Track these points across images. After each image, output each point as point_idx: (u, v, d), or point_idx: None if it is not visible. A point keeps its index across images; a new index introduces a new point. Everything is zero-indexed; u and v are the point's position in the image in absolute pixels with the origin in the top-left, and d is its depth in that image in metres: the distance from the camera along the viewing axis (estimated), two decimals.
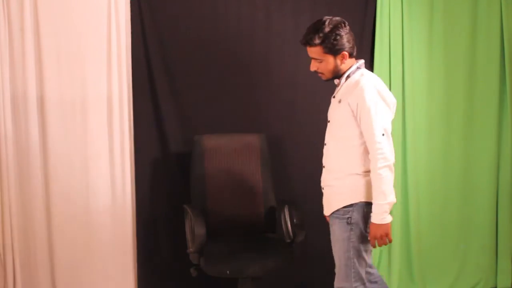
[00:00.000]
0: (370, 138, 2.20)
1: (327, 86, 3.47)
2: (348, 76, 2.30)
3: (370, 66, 3.51)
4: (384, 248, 3.57)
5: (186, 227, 2.93)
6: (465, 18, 3.57)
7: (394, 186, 3.21)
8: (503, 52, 3.59)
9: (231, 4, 3.28)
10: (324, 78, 2.36)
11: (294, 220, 2.85)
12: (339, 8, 3.46)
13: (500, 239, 3.67)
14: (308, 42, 2.25)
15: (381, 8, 3.45)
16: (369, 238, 2.27)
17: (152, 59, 3.14)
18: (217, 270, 2.71)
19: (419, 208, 3.57)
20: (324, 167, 2.46)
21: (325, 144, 2.44)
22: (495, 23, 3.57)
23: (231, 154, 3.15)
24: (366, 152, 2.26)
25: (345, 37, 2.23)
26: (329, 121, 2.42)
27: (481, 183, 3.65)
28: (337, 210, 2.28)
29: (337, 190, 2.31)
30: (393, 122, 3.42)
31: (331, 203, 2.35)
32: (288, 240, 2.98)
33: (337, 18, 2.27)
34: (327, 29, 2.21)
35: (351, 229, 2.24)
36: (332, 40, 2.21)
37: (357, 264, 2.25)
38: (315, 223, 3.26)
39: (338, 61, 2.27)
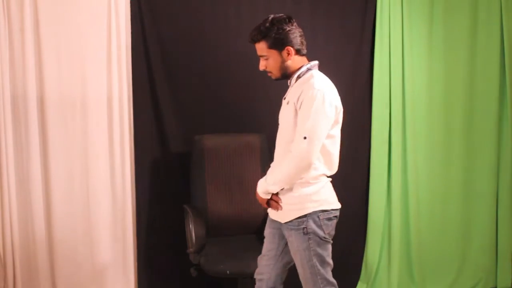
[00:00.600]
0: (297, 136, 2.13)
1: None
2: (299, 77, 2.25)
3: (370, 66, 3.52)
4: (384, 248, 3.57)
5: (186, 227, 2.93)
6: (465, 18, 3.58)
7: (395, 186, 3.22)
8: (503, 52, 3.59)
9: (231, 5, 3.28)
10: (273, 77, 2.30)
11: None
12: (339, 8, 3.46)
13: (500, 239, 3.67)
14: (253, 38, 2.24)
15: (381, 8, 3.45)
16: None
17: (152, 59, 3.14)
18: (217, 270, 2.70)
19: (419, 208, 3.57)
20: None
21: (275, 148, 2.35)
22: (495, 23, 3.57)
23: (231, 154, 3.15)
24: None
25: (290, 31, 2.19)
26: (279, 124, 2.35)
27: (481, 183, 3.65)
28: (291, 221, 2.22)
29: (287, 200, 2.24)
30: (393, 121, 3.49)
31: (283, 212, 2.26)
32: None
33: (283, 14, 2.25)
34: (269, 24, 2.19)
35: (309, 238, 2.19)
36: (274, 34, 2.17)
37: (322, 271, 2.23)
38: None
39: (284, 57, 2.20)
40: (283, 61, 2.22)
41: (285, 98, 2.32)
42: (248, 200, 3.11)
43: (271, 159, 3.21)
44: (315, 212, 2.19)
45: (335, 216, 2.28)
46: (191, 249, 2.80)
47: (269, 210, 2.36)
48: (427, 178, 3.59)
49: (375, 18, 3.48)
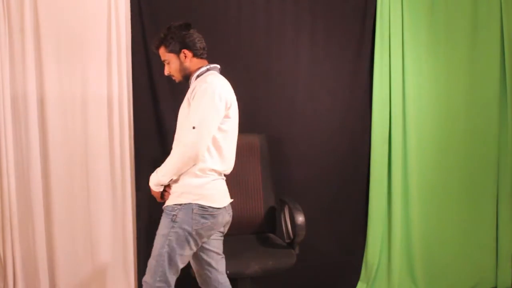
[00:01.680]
0: (187, 126, 2.19)
1: (327, 86, 3.49)
2: (198, 76, 2.35)
3: (370, 66, 3.52)
4: (384, 248, 3.57)
5: None
6: (465, 18, 3.58)
7: (395, 186, 3.20)
8: (503, 52, 3.60)
9: (231, 5, 3.28)
10: (176, 79, 2.42)
11: (294, 220, 2.85)
12: (339, 9, 3.47)
13: (500, 239, 3.68)
14: (155, 46, 2.38)
15: (381, 8, 3.46)
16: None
17: (152, 59, 3.14)
18: None
19: (419, 208, 3.57)
20: None
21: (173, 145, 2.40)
22: (495, 23, 3.58)
23: None
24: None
25: (186, 36, 2.32)
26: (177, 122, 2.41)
27: (481, 183, 3.65)
28: (167, 206, 2.27)
29: (173, 188, 2.29)
30: (393, 122, 3.49)
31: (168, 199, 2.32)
32: (288, 240, 2.98)
33: (181, 22, 2.37)
34: (166, 31, 2.34)
35: (173, 227, 2.21)
36: (169, 39, 2.32)
37: (166, 264, 2.22)
38: (315, 223, 3.27)
39: (182, 59, 2.33)
40: (181, 63, 2.35)
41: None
42: (248, 200, 3.11)
43: (271, 159, 3.24)
44: (190, 204, 2.21)
45: (212, 216, 2.24)
46: None
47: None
48: (427, 178, 3.59)
49: (375, 18, 3.48)
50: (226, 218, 2.35)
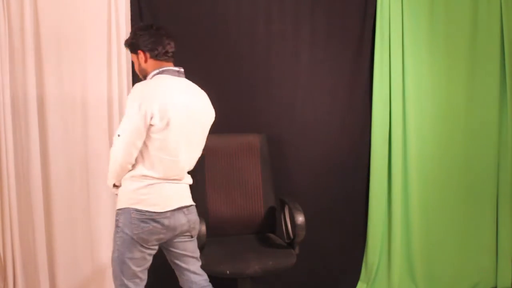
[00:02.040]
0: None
1: (326, 86, 3.49)
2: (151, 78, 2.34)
3: (370, 66, 3.52)
4: (384, 248, 3.57)
5: None
6: (465, 18, 3.58)
7: (395, 186, 3.20)
8: (503, 52, 3.59)
9: (231, 5, 3.28)
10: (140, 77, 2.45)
11: (294, 220, 2.85)
12: (339, 9, 3.46)
13: (500, 239, 3.67)
14: (125, 46, 2.43)
15: (381, 8, 3.45)
16: None
17: None
18: (217, 270, 2.70)
19: (419, 208, 3.57)
20: None
21: None
22: (495, 23, 3.57)
23: (231, 154, 3.15)
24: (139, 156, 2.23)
25: (143, 37, 2.31)
26: None
27: (481, 183, 3.65)
28: (116, 210, 2.31)
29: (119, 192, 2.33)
30: (393, 122, 3.49)
31: None
32: (288, 240, 2.98)
33: (146, 23, 2.45)
34: (131, 32, 2.40)
35: (117, 232, 2.23)
36: (130, 39, 2.35)
37: (118, 269, 2.23)
38: (315, 223, 3.27)
39: (140, 60, 2.34)
40: (139, 64, 2.36)
41: None
42: (248, 200, 3.11)
43: (271, 159, 3.24)
44: (128, 209, 2.22)
45: (153, 220, 2.21)
46: None
47: None
48: (427, 178, 3.59)
49: (375, 18, 3.47)
50: (181, 221, 2.29)
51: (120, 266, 2.23)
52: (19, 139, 2.98)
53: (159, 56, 2.32)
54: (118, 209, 2.27)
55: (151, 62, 2.33)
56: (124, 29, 3.08)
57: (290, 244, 2.92)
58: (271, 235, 3.11)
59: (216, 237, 2.99)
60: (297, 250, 2.88)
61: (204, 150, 3.11)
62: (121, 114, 3.12)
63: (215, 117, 3.31)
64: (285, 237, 3.03)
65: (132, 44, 2.34)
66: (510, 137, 3.61)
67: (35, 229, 3.01)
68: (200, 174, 3.08)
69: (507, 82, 3.59)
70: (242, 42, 3.32)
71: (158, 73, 2.30)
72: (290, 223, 2.98)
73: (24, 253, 3.01)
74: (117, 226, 2.25)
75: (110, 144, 3.11)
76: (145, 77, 2.36)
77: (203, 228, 2.70)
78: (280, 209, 3.13)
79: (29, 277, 3.04)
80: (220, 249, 2.86)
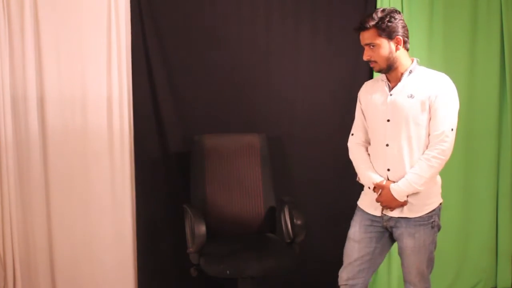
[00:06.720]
0: (443, 130, 2.22)
1: (326, 86, 3.49)
2: (411, 72, 2.31)
3: (370, 66, 3.51)
4: None
5: (186, 227, 2.93)
6: (465, 18, 3.58)
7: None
8: (503, 52, 3.59)
9: (231, 5, 3.28)
10: (375, 68, 2.32)
11: (294, 220, 2.85)
12: (338, 8, 3.46)
13: (500, 239, 3.67)
14: (362, 25, 2.24)
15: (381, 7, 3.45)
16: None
17: (152, 59, 3.14)
18: (217, 270, 2.70)
19: None
20: (389, 170, 2.36)
21: (387, 145, 2.34)
22: (495, 23, 3.57)
23: (231, 154, 3.15)
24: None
25: (401, 22, 2.24)
26: (388, 119, 2.33)
27: (481, 183, 3.65)
28: (421, 216, 2.33)
29: (415, 199, 2.32)
30: None
31: (415, 208, 2.35)
32: (288, 240, 2.98)
33: (392, 7, 2.30)
34: (382, 13, 2.22)
35: (435, 232, 2.38)
36: (386, 22, 2.20)
37: (430, 269, 2.41)
38: (315, 223, 3.27)
39: (392, 48, 2.24)
40: (391, 52, 2.25)
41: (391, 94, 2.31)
42: (248, 200, 3.11)
43: (271, 159, 3.24)
44: (439, 206, 2.36)
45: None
46: (191, 249, 2.80)
47: (389, 211, 2.38)
48: None
49: None
50: None
51: (433, 264, 2.40)
52: (19, 139, 2.98)
53: (407, 46, 2.30)
54: (432, 210, 2.32)
55: (402, 52, 2.26)
56: (124, 29, 3.08)
57: (290, 244, 2.92)
58: (271, 235, 3.11)
59: (216, 237, 2.99)
60: (297, 250, 2.88)
61: (204, 150, 3.13)
62: (121, 114, 3.12)
63: (215, 117, 3.33)
64: (285, 237, 3.03)
65: (388, 28, 2.19)
66: (510, 137, 3.61)
67: (35, 229, 3.01)
68: (200, 174, 3.08)
69: (507, 82, 3.59)
70: (243, 42, 3.32)
71: (415, 66, 2.31)
72: (290, 223, 2.98)
73: (24, 253, 3.01)
74: (432, 227, 2.33)
75: (110, 143, 3.13)
76: (388, 66, 2.27)
77: (203, 228, 2.70)
78: (280, 209, 3.13)
79: (29, 277, 3.04)
80: (220, 249, 2.86)
